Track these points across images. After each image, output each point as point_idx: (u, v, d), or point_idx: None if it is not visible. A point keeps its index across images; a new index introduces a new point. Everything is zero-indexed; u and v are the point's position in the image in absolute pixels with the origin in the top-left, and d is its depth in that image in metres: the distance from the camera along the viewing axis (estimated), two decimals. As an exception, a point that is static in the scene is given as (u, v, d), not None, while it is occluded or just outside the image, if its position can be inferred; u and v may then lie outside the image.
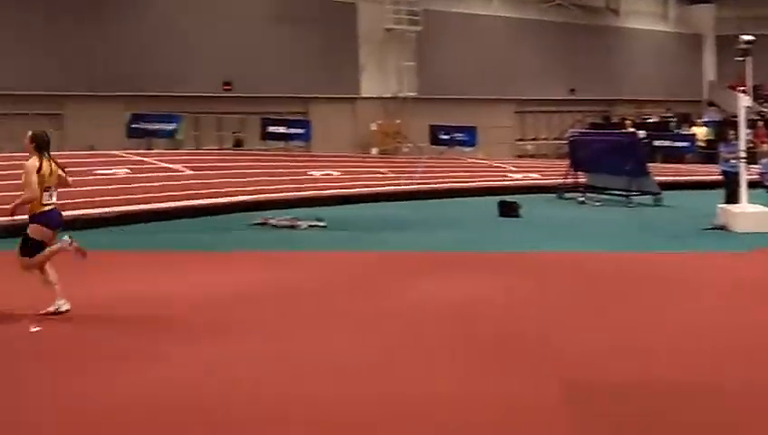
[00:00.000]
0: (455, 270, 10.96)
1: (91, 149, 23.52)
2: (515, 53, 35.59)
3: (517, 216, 16.81)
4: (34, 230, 8.21)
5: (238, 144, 27.74)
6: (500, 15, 35.83)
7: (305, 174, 21.85)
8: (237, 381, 6.12)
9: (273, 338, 7.43)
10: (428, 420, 5.39)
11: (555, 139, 36.78)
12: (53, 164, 8.30)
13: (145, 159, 21.39)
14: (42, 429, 5.32)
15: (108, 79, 26.04)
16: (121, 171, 19.47)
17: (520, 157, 33.95)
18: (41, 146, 8.28)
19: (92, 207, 15.89)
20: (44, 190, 8.15)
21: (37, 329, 7.70)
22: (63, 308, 8.15)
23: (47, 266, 8.27)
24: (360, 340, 7.36)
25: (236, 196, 18.28)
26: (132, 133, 24.27)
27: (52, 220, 8.27)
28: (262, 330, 7.74)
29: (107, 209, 15.94)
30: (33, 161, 8.17)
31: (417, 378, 6.25)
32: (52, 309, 8.13)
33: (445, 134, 29.30)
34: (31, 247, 8.21)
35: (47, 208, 8.18)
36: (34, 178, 8.07)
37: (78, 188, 17.12)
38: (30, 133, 8.39)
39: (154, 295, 9.27)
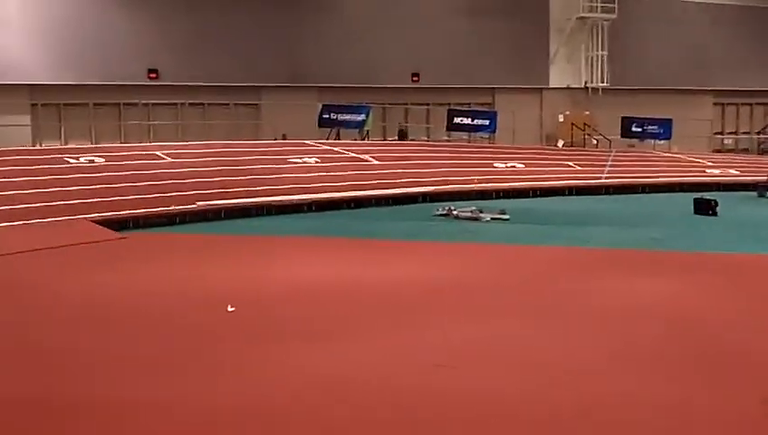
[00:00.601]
0: (644, 269, 10.49)
1: (284, 138, 24.54)
2: (715, 41, 33.68)
3: (714, 214, 15.89)
4: None
5: (402, 136, 27.85)
6: (699, 1, 33.99)
7: (490, 166, 21.70)
8: (428, 371, 6.17)
9: (455, 330, 7.40)
10: (605, 419, 5.19)
11: (758, 133, 34.55)
12: None
13: (334, 148, 22.02)
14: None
15: (302, 70, 27.08)
16: (311, 160, 20.15)
17: (718, 151, 32.13)
18: None
19: (284, 194, 16.55)
20: None
21: (232, 309, 8.09)
22: None
23: None
24: (544, 337, 7.19)
25: (421, 186, 18.43)
26: (323, 123, 25.06)
27: None
28: (441, 321, 7.74)
29: (298, 197, 16.53)
30: None
31: (595, 378, 6.02)
32: None
33: (637, 126, 28.15)
34: None
35: None
36: None
37: (271, 176, 17.96)
38: None
39: (341, 282, 9.51)
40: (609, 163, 22.72)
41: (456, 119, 26.63)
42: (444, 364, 6.35)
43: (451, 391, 5.77)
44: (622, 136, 28.45)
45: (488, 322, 7.74)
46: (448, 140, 27.40)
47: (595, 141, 30.18)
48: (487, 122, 26.55)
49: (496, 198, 18.03)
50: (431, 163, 21.17)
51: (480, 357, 6.62)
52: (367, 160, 20.77)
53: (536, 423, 5.23)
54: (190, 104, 26.14)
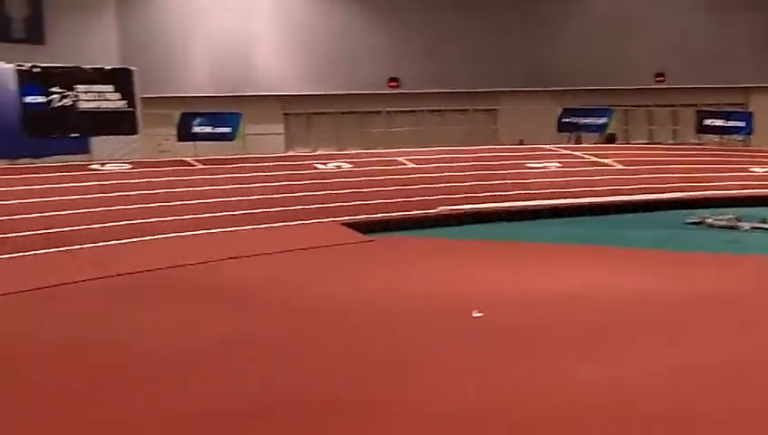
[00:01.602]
0: None
1: (521, 142, 24.31)
2: None
3: None
4: None
5: (611, 140, 26.33)
6: None
7: (746, 170, 20.19)
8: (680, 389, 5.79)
9: (719, 349, 6.88)
10: None
11: None
12: None
13: (575, 152, 21.47)
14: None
15: (539, 74, 26.72)
16: (552, 165, 19.77)
17: None
18: None
19: (526, 200, 16.37)
20: None
21: (479, 314, 8.04)
22: None
23: None
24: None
25: (669, 192, 17.50)
26: (563, 127, 24.54)
27: None
28: (689, 339, 7.24)
29: (539, 202, 16.29)
30: None
31: None
32: None
33: None
34: None
35: None
36: None
37: (511, 181, 17.85)
38: None
39: (581, 291, 9.18)
40: None
41: (706, 120, 25.02)
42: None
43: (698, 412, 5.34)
44: None
45: (742, 340, 7.14)
46: (697, 143, 25.85)
47: None
48: (742, 124, 24.74)
49: (756, 206, 16.70)
50: (680, 168, 20.04)
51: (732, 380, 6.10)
52: (610, 165, 20.07)
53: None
54: (429, 111, 26.63)
